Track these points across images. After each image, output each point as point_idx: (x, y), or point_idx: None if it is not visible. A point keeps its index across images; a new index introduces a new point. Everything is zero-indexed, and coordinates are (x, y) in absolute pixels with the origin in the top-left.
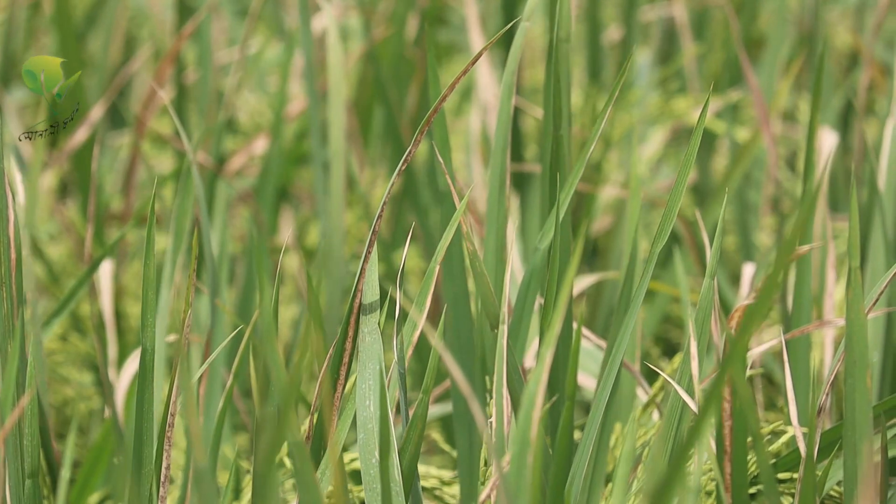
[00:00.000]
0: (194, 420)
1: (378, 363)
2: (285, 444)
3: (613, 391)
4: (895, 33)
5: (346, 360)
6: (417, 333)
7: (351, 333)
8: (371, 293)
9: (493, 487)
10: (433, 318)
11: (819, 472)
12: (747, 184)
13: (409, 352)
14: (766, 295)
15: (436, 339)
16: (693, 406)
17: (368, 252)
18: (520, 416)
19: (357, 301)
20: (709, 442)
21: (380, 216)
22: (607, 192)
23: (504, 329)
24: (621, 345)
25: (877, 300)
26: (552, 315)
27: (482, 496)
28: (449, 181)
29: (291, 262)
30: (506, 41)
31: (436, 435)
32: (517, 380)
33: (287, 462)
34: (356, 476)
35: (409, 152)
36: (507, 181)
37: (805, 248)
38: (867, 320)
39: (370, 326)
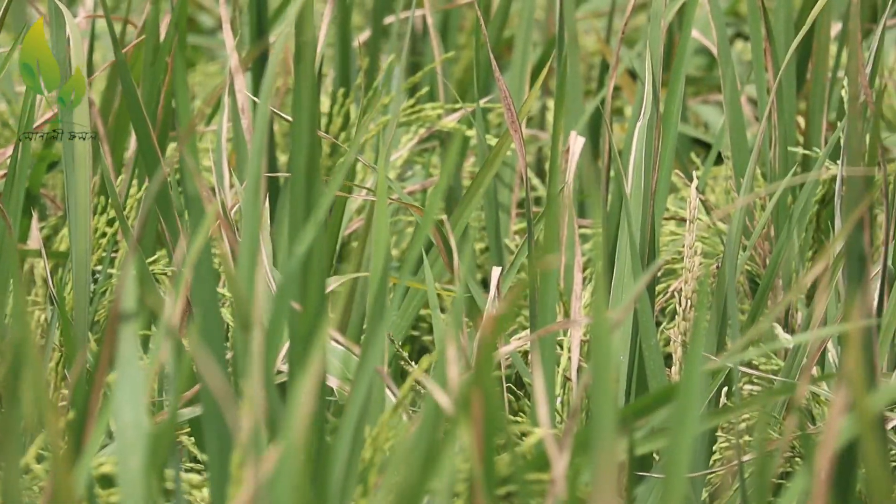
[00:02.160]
0: None
1: (133, 368)
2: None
3: (365, 393)
4: (642, 37)
5: (102, 365)
6: (169, 337)
7: (107, 338)
8: (126, 297)
9: (251, 490)
10: (186, 322)
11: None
12: (499, 188)
13: (162, 356)
14: (511, 300)
15: (187, 343)
16: (446, 407)
17: (121, 257)
18: (287, 419)
19: (112, 305)
20: (460, 443)
21: (131, 220)
22: (358, 196)
23: (258, 332)
24: (372, 348)
25: (625, 303)
26: (306, 319)
27: (238, 499)
28: (198, 185)
29: (42, 267)
30: (258, 43)
31: (186, 438)
32: (270, 383)
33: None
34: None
35: (159, 159)
36: (262, 185)
37: (552, 257)
38: (613, 322)
39: (126, 331)
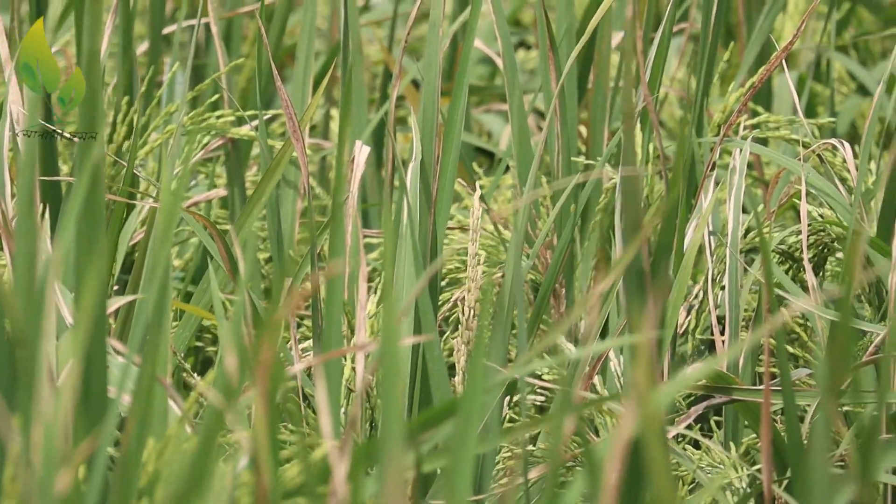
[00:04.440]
0: None
1: None
2: None
3: (148, 406)
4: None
5: None
6: None
7: None
8: None
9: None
10: None
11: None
12: (282, 197)
13: None
14: (290, 308)
15: None
16: (229, 420)
17: None
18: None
19: None
20: (244, 454)
21: None
22: (143, 205)
23: (43, 344)
24: (154, 359)
25: (403, 311)
26: (79, 330)
27: None
28: None
29: None
30: None
31: None
32: (50, 395)
33: None
34: None
35: None
36: (36, 196)
37: (336, 266)
38: (401, 334)
39: None
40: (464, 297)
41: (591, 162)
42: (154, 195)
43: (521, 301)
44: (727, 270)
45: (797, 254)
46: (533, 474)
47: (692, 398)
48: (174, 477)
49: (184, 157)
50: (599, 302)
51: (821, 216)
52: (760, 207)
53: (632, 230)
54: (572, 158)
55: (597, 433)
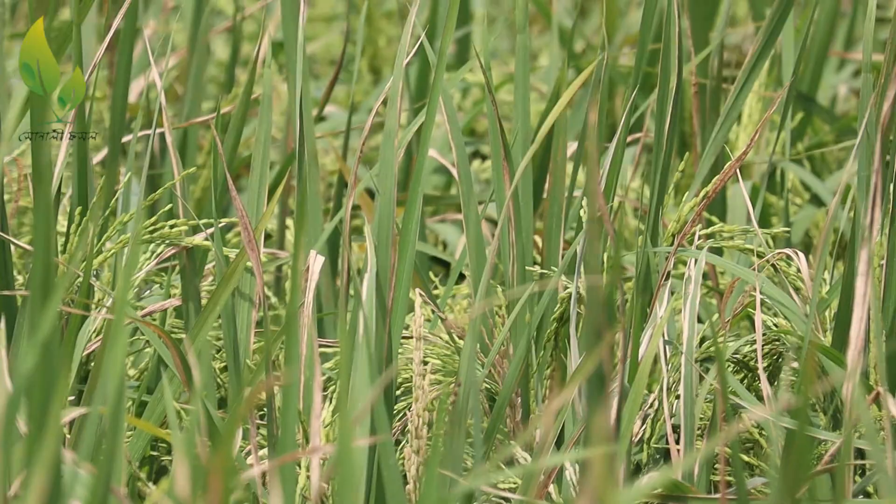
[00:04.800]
0: None
1: None
2: None
3: None
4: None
5: None
6: None
7: None
8: None
9: None
10: None
11: None
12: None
13: None
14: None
15: None
16: None
17: None
18: None
19: None
20: None
21: None
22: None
23: None
24: (109, 468)
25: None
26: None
27: None
28: None
29: None
30: None
31: None
32: None
33: None
34: None
35: None
36: None
37: (291, 374)
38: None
39: None
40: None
41: (546, 271)
42: (109, 305)
43: (476, 411)
44: (682, 379)
45: (752, 363)
46: None
47: None
48: None
49: (139, 268)
50: (556, 412)
51: (775, 326)
52: (715, 317)
53: (593, 339)
54: (527, 268)
55: None
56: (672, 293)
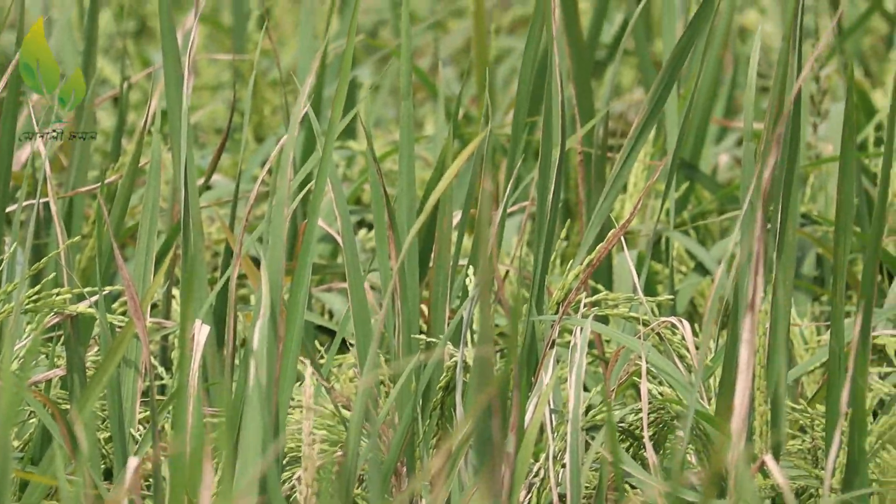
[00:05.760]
0: None
1: None
2: None
3: None
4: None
5: None
6: None
7: None
8: None
9: None
10: None
11: None
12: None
13: None
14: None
15: None
16: None
17: None
18: None
19: None
20: None
21: None
22: None
23: None
24: None
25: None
26: None
27: None
28: None
29: None
30: None
31: None
32: None
33: None
34: None
35: None
36: None
37: (179, 445)
38: None
39: None
40: (300, 477)
41: (432, 340)
42: None
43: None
44: (568, 447)
45: (637, 431)
46: None
47: None
48: None
49: (28, 338)
50: (442, 480)
51: (661, 394)
52: (601, 385)
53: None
54: (413, 336)
55: None
56: (557, 361)
